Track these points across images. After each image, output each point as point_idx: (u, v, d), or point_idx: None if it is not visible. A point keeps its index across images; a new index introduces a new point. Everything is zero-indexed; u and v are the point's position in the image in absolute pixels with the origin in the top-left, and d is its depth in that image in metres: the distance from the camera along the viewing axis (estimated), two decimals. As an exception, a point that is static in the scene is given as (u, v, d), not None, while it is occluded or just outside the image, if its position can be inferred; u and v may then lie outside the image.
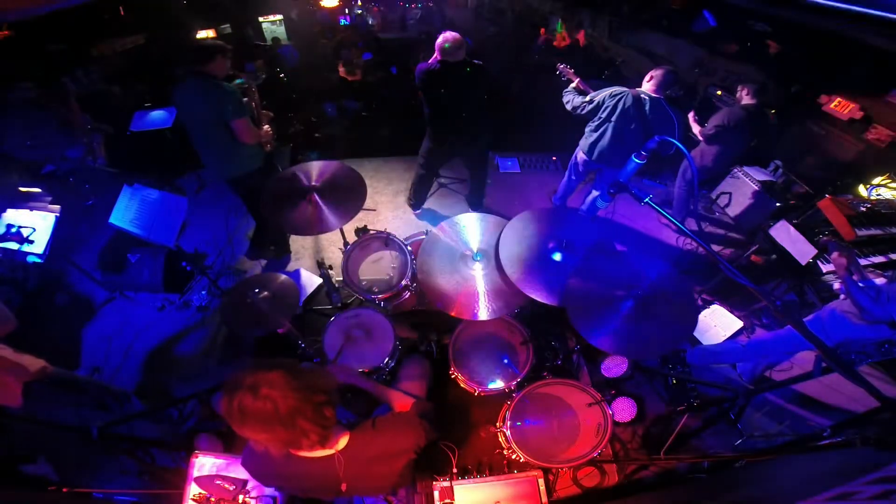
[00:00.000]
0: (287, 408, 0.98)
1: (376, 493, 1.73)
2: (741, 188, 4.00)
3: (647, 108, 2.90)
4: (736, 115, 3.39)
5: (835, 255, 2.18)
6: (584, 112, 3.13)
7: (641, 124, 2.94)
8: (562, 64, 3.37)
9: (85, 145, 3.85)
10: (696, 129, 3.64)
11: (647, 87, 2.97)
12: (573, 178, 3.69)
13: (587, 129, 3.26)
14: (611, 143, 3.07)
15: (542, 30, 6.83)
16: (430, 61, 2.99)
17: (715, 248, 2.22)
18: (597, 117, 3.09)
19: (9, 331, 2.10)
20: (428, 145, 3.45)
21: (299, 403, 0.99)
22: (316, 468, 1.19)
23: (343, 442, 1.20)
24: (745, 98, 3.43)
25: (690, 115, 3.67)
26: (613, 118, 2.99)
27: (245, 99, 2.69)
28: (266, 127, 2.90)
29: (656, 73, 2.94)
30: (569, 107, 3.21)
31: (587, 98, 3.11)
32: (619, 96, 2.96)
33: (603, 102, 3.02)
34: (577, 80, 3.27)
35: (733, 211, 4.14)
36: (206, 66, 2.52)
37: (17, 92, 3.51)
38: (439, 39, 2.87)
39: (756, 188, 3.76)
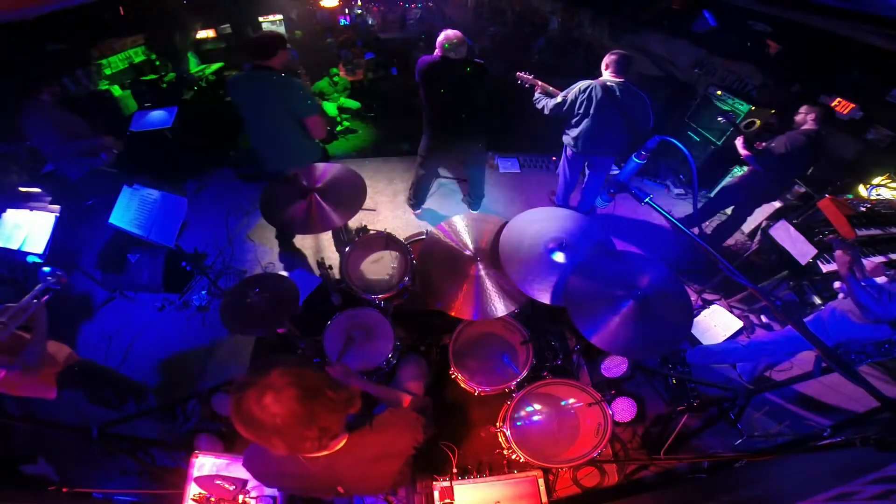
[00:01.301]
0: (273, 426, 0.96)
1: (377, 493, 1.73)
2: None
3: (617, 92, 3.03)
4: (797, 141, 3.06)
5: (838, 252, 2.17)
6: (563, 111, 3.23)
7: (617, 108, 3.07)
8: (519, 72, 3.44)
9: (107, 150, 3.84)
10: (746, 154, 3.27)
11: (608, 74, 3.09)
12: (568, 174, 3.75)
13: (566, 127, 3.40)
14: (593, 133, 3.21)
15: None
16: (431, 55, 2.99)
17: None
18: (575, 113, 3.21)
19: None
20: (427, 145, 3.44)
21: (287, 427, 0.97)
22: (316, 468, 1.19)
23: (340, 445, 1.18)
24: (809, 123, 3.08)
25: (739, 142, 3.28)
26: (591, 110, 3.12)
27: None
28: None
29: (610, 59, 3.06)
30: (546, 111, 3.32)
31: (559, 99, 3.22)
32: (588, 89, 3.09)
33: (576, 98, 3.15)
34: (539, 82, 3.36)
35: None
36: (270, 60, 2.48)
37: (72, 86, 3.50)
38: (440, 37, 2.87)
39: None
